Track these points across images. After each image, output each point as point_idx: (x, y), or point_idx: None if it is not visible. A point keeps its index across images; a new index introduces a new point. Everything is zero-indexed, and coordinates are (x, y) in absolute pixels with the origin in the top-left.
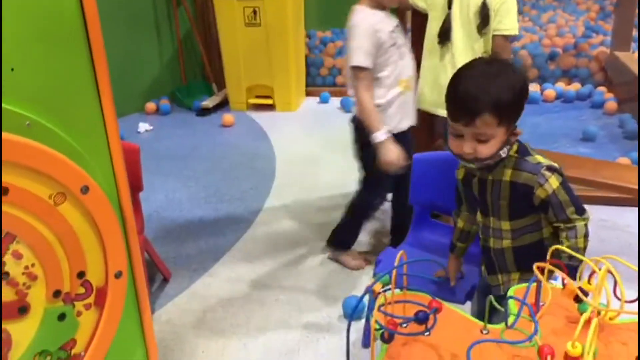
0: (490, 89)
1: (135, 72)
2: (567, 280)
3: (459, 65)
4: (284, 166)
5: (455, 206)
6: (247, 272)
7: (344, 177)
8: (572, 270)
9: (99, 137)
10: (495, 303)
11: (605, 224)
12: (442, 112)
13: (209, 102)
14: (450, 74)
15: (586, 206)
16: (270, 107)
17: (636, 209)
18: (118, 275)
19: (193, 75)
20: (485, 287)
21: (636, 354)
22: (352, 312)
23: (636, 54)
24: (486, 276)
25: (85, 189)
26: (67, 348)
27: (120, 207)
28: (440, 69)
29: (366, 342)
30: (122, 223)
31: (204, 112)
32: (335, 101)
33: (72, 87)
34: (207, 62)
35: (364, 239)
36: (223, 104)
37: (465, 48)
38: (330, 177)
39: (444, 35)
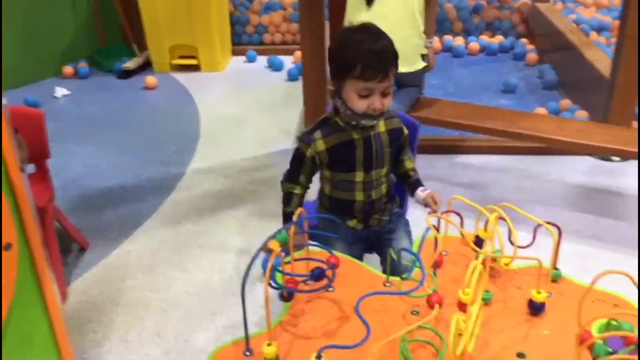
0: (390, 45)
1: (48, 34)
2: (462, 230)
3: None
4: (208, 128)
5: (292, 178)
6: (169, 237)
7: (270, 136)
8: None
9: None
10: (394, 256)
11: (523, 173)
12: None
13: (130, 64)
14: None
15: (504, 157)
16: (196, 68)
17: (555, 157)
18: (7, 247)
19: (112, 37)
20: (357, 239)
21: (529, 296)
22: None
23: (557, 5)
24: (359, 226)
25: None
26: None
27: (6, 173)
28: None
29: (281, 296)
30: (8, 189)
31: (125, 74)
32: (263, 60)
33: None
34: (125, 21)
35: None
36: (145, 66)
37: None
38: (256, 137)
39: None
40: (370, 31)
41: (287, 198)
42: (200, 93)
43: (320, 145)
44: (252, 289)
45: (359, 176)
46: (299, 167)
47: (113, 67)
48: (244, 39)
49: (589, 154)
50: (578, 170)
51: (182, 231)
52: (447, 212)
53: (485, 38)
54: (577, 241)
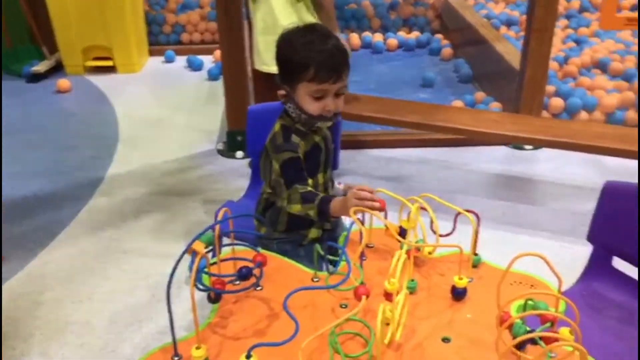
0: (340, 45)
1: None
2: (385, 221)
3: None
4: (127, 131)
5: (300, 181)
6: (89, 245)
7: (192, 138)
8: None
9: None
10: (321, 251)
11: (443, 164)
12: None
13: (40, 67)
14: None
15: (424, 149)
16: (111, 69)
17: (472, 147)
18: None
19: (19, 38)
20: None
21: (452, 282)
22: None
23: (469, 1)
24: (318, 234)
25: None
26: None
27: None
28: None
29: (209, 297)
30: None
31: (35, 78)
32: (181, 60)
33: None
34: (33, 22)
35: None
36: (57, 69)
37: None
38: (177, 140)
39: None
40: (318, 31)
41: (307, 199)
42: (117, 95)
43: (302, 148)
44: (179, 293)
45: (320, 178)
46: (299, 168)
47: (21, 70)
48: (161, 38)
49: (504, 144)
50: (494, 159)
51: (103, 238)
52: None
53: (402, 34)
54: (497, 227)
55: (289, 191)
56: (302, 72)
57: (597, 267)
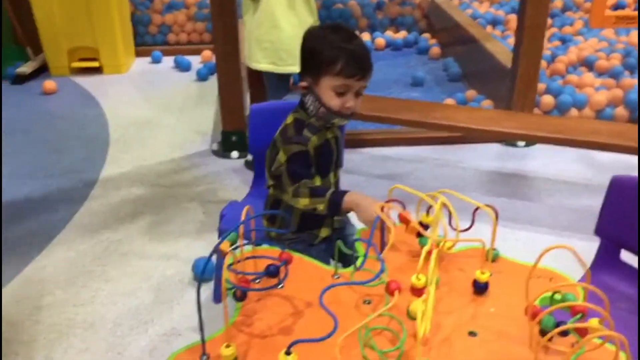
0: (366, 46)
1: None
2: (408, 216)
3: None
4: (118, 132)
5: (306, 176)
6: (87, 247)
7: (184, 138)
8: None
9: None
10: (343, 247)
11: (438, 162)
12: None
13: (25, 69)
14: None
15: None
16: (97, 71)
17: (466, 145)
18: None
19: (2, 39)
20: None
21: (473, 277)
22: (201, 273)
23: (454, 1)
24: (328, 233)
25: None
26: None
27: None
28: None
29: (217, 298)
30: None
31: (20, 79)
32: (169, 60)
33: None
34: (16, 22)
35: None
36: (42, 70)
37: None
38: (170, 140)
39: None
40: (346, 30)
41: (316, 193)
42: (105, 96)
43: (313, 143)
44: (182, 295)
45: (332, 177)
46: (306, 164)
47: (5, 72)
48: (147, 39)
49: (498, 141)
50: (488, 156)
51: (100, 241)
52: (388, 201)
53: (390, 34)
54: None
55: (295, 185)
56: (330, 65)
57: (605, 259)
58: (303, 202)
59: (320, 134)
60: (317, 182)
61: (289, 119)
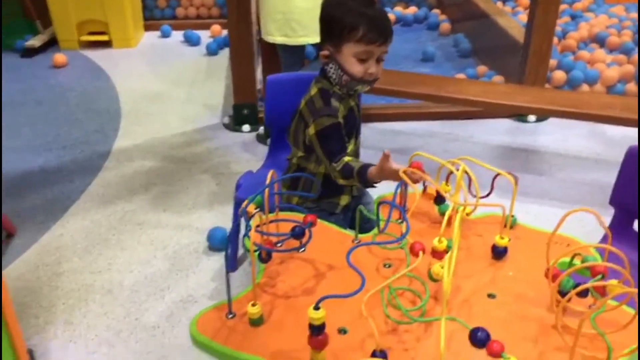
0: (385, 13)
1: None
2: (431, 181)
3: None
4: (129, 105)
5: (341, 151)
6: (103, 217)
7: (195, 112)
8: None
9: None
10: (365, 212)
11: (449, 137)
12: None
13: (34, 42)
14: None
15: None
16: (107, 44)
17: (476, 120)
18: None
19: (10, 12)
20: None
21: (491, 243)
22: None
23: None
24: (348, 200)
25: None
26: None
27: None
28: None
29: (232, 266)
30: None
31: (29, 52)
32: (178, 34)
33: None
34: None
35: None
36: (51, 43)
37: None
38: (181, 114)
39: None
40: None
41: (348, 170)
42: (116, 70)
43: (341, 112)
44: (198, 263)
45: (352, 144)
46: (340, 136)
47: (14, 45)
48: (156, 13)
49: (508, 116)
50: (499, 131)
51: (115, 211)
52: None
53: (399, 9)
54: (506, 196)
55: (330, 167)
56: (351, 32)
57: (619, 230)
58: (341, 182)
59: (344, 102)
60: (349, 157)
61: (313, 90)
